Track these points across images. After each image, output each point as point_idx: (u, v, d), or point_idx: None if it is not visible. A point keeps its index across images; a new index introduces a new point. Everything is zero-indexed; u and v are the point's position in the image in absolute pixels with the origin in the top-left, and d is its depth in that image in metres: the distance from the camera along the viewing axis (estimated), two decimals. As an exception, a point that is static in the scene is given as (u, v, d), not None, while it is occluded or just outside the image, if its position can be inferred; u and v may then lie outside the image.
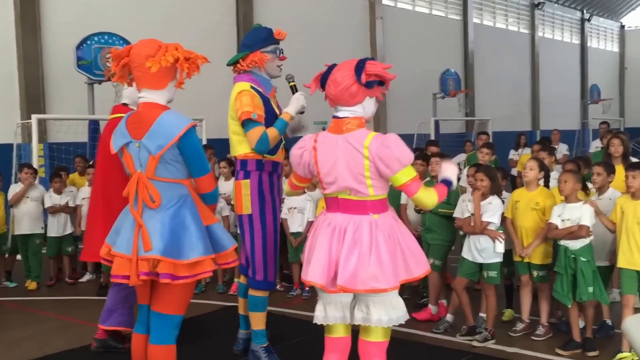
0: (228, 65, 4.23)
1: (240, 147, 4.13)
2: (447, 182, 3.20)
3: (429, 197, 3.04)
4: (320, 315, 3.09)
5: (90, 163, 7.57)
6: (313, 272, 2.95)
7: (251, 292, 4.22)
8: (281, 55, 4.23)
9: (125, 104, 4.71)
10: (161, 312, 3.15)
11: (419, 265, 3.03)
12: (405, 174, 2.95)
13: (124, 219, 3.21)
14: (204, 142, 10.53)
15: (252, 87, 4.03)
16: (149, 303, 3.23)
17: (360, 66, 2.98)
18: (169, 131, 3.04)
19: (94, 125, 9.98)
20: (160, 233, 3.01)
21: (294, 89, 4.22)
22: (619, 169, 5.33)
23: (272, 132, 3.98)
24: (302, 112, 4.21)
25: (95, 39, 10.08)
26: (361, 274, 2.86)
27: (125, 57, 3.19)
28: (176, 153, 3.09)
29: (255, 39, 4.15)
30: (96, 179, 4.73)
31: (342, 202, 3.00)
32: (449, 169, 3.26)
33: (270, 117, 4.06)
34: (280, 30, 4.21)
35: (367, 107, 3.08)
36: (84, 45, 9.97)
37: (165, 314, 3.15)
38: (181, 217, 3.07)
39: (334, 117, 3.07)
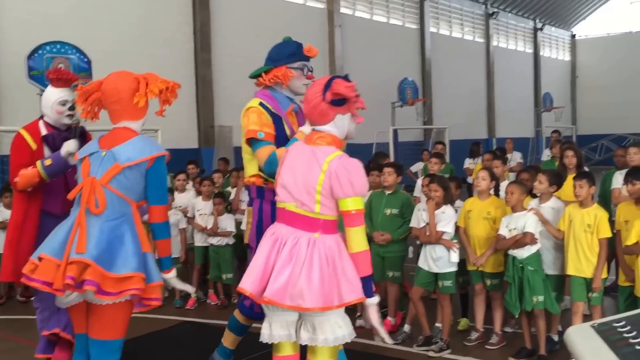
0: (251, 77, 3.97)
1: (249, 169, 3.87)
2: (368, 281, 2.97)
3: (360, 241, 2.92)
4: (266, 333, 3.05)
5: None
6: (245, 279, 2.95)
7: (236, 313, 4.01)
8: (309, 73, 3.93)
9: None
10: (99, 339, 3.07)
11: (351, 291, 2.90)
12: (355, 203, 2.90)
13: (59, 227, 3.13)
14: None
15: (260, 104, 3.78)
16: (86, 331, 3.15)
17: (327, 84, 3.00)
18: (142, 150, 3.10)
19: (46, 137, 9.73)
20: (97, 239, 2.97)
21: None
22: (571, 178, 5.45)
23: (282, 153, 3.51)
24: None
25: (48, 48, 9.85)
26: (290, 289, 2.84)
27: (95, 92, 3.19)
28: (138, 175, 3.10)
29: (281, 53, 3.85)
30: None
31: (289, 214, 2.99)
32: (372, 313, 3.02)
33: (281, 137, 3.74)
34: (311, 47, 3.90)
35: (340, 125, 3.06)
36: (36, 54, 9.73)
37: (103, 339, 3.06)
38: (120, 232, 3.04)
39: (314, 129, 3.12)
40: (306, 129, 3.48)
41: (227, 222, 6.49)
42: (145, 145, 3.13)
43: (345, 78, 3.07)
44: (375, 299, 2.99)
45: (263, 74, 3.85)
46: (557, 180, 5.03)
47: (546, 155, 10.50)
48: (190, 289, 3.62)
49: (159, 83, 3.18)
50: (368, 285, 2.95)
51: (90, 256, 2.92)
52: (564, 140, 10.28)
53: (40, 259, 3.02)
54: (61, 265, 2.93)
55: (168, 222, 3.30)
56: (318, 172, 2.92)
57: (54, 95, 3.91)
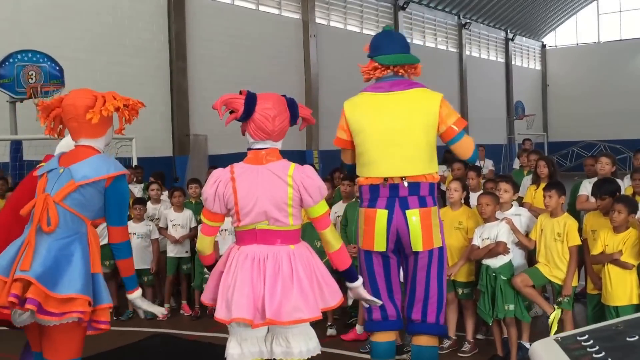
0: (398, 64, 3.64)
1: (432, 165, 3.55)
2: (352, 269, 3.18)
3: (337, 237, 3.13)
4: (235, 352, 3.01)
5: (10, 186, 7.28)
6: (238, 308, 2.86)
7: (377, 337, 3.66)
8: None
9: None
10: None
11: (332, 295, 3.04)
12: (322, 207, 3.02)
13: (11, 245, 3.06)
14: (135, 161, 10.32)
15: None
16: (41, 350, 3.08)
17: (294, 109, 3.07)
18: (99, 168, 3.02)
19: (16, 145, 9.62)
20: (43, 258, 2.89)
21: None
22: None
23: None
24: None
25: (19, 56, 9.76)
26: (285, 306, 2.85)
27: (56, 109, 3.14)
28: (95, 194, 3.03)
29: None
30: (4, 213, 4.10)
31: (260, 233, 2.98)
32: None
33: None
34: None
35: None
36: (6, 63, 9.63)
37: None
38: (70, 251, 2.96)
39: (250, 149, 3.07)
40: None
41: None
42: (103, 164, 3.05)
43: (293, 100, 3.13)
44: (361, 280, 3.27)
45: (415, 67, 3.70)
46: (516, 186, 5.17)
47: (517, 164, 10.66)
48: (157, 310, 3.33)
49: (116, 101, 3.10)
50: (352, 271, 3.19)
51: (34, 274, 2.84)
52: (534, 149, 10.40)
53: None
54: (7, 283, 2.88)
55: (128, 241, 3.15)
56: (285, 187, 2.95)
57: None
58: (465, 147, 3.59)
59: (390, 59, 3.59)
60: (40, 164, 4.13)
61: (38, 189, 3.09)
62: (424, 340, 3.59)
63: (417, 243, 3.48)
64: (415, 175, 3.49)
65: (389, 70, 3.61)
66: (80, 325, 2.98)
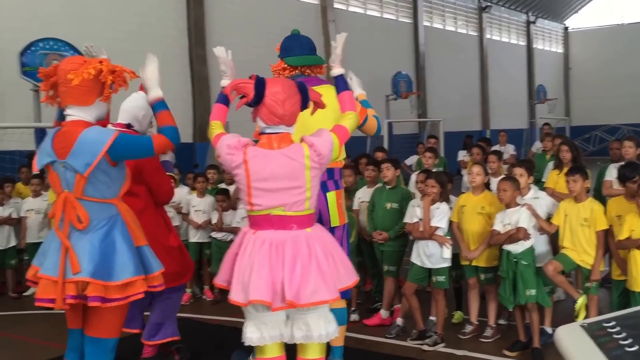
0: (308, 64, 3.98)
1: (342, 153, 3.93)
2: (341, 81, 3.39)
3: (352, 122, 3.24)
4: (254, 336, 3.02)
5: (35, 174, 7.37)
6: (256, 290, 2.86)
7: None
8: None
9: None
10: (95, 337, 3.07)
11: (349, 275, 3.09)
12: (335, 141, 3.07)
13: (51, 240, 3.11)
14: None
15: None
16: (81, 327, 3.15)
17: (305, 92, 3.06)
18: (93, 148, 2.95)
19: (40, 133, 9.71)
20: (90, 254, 2.94)
21: None
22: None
23: None
24: None
25: (41, 44, 9.80)
26: (305, 288, 2.86)
27: (53, 76, 3.11)
28: (105, 169, 3.01)
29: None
30: None
31: (276, 218, 2.98)
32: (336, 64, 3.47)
33: None
34: None
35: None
36: (29, 51, 9.69)
37: (99, 338, 3.08)
38: (111, 238, 3.01)
39: (263, 133, 3.06)
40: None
41: (231, 218, 6.48)
42: (93, 143, 2.96)
43: (303, 84, 3.14)
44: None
45: (324, 66, 4.04)
46: (532, 169, 5.15)
47: (537, 147, 10.53)
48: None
49: (99, 64, 3.03)
50: (342, 79, 3.44)
51: (87, 273, 2.92)
52: (556, 133, 10.27)
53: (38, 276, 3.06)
54: (58, 284, 2.94)
55: (175, 127, 3.21)
56: (302, 171, 2.95)
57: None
58: (371, 127, 4.08)
59: (298, 60, 3.96)
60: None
61: (54, 186, 3.09)
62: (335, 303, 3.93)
63: (335, 219, 3.92)
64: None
65: (297, 71, 3.95)
66: (127, 305, 3.09)
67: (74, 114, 3.08)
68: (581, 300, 4.41)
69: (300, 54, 3.95)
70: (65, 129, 3.07)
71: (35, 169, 3.13)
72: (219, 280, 3.14)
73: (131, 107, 4.09)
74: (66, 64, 3.07)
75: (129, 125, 4.04)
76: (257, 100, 2.99)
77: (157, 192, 4.14)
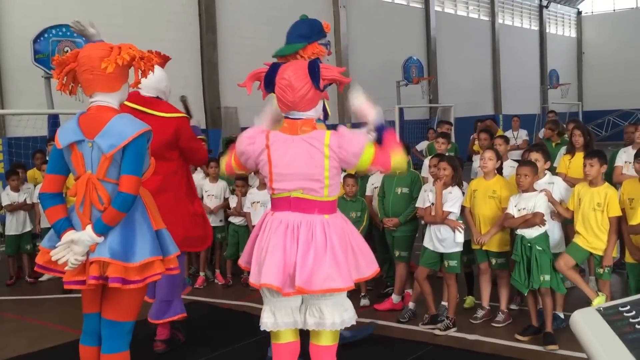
0: (280, 55, 3.68)
1: None
2: (380, 129, 3.07)
3: (399, 157, 3.02)
4: (269, 322, 3.03)
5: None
6: (268, 274, 2.87)
7: None
8: (329, 49, 4.06)
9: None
10: (112, 320, 3.09)
11: (368, 265, 3.05)
12: (368, 152, 2.95)
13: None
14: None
15: None
16: (99, 311, 3.17)
17: (315, 71, 2.97)
18: (123, 132, 2.95)
19: (53, 119, 9.78)
20: (110, 235, 2.96)
21: (188, 110, 4.68)
22: (579, 156, 5.49)
23: None
24: None
25: (53, 31, 9.87)
26: (317, 275, 2.85)
27: (71, 63, 3.08)
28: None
29: (312, 30, 3.71)
30: None
31: (295, 200, 2.98)
32: (366, 108, 3.14)
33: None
34: (328, 24, 3.87)
35: (319, 108, 3.12)
36: (42, 38, 9.75)
37: (117, 321, 3.10)
38: (131, 220, 3.02)
39: (287, 117, 3.05)
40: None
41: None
42: (124, 127, 2.96)
43: (315, 62, 3.01)
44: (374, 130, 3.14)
45: (301, 52, 3.68)
46: (548, 154, 5.11)
47: (542, 133, 10.47)
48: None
49: (132, 50, 3.02)
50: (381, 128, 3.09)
51: (107, 254, 2.93)
52: (569, 118, 10.18)
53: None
54: (87, 263, 2.96)
55: (133, 196, 2.96)
56: (321, 159, 2.93)
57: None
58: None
59: (276, 52, 3.74)
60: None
61: (76, 166, 3.04)
62: None
63: None
64: None
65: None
66: (145, 288, 3.12)
67: (101, 99, 3.07)
68: (597, 301, 4.40)
69: (286, 44, 3.74)
70: (92, 114, 3.06)
71: (59, 145, 3.06)
72: (242, 262, 3.20)
73: (155, 81, 4.28)
74: (92, 50, 3.03)
75: (158, 98, 4.41)
76: (266, 88, 2.99)
77: (193, 156, 4.57)
